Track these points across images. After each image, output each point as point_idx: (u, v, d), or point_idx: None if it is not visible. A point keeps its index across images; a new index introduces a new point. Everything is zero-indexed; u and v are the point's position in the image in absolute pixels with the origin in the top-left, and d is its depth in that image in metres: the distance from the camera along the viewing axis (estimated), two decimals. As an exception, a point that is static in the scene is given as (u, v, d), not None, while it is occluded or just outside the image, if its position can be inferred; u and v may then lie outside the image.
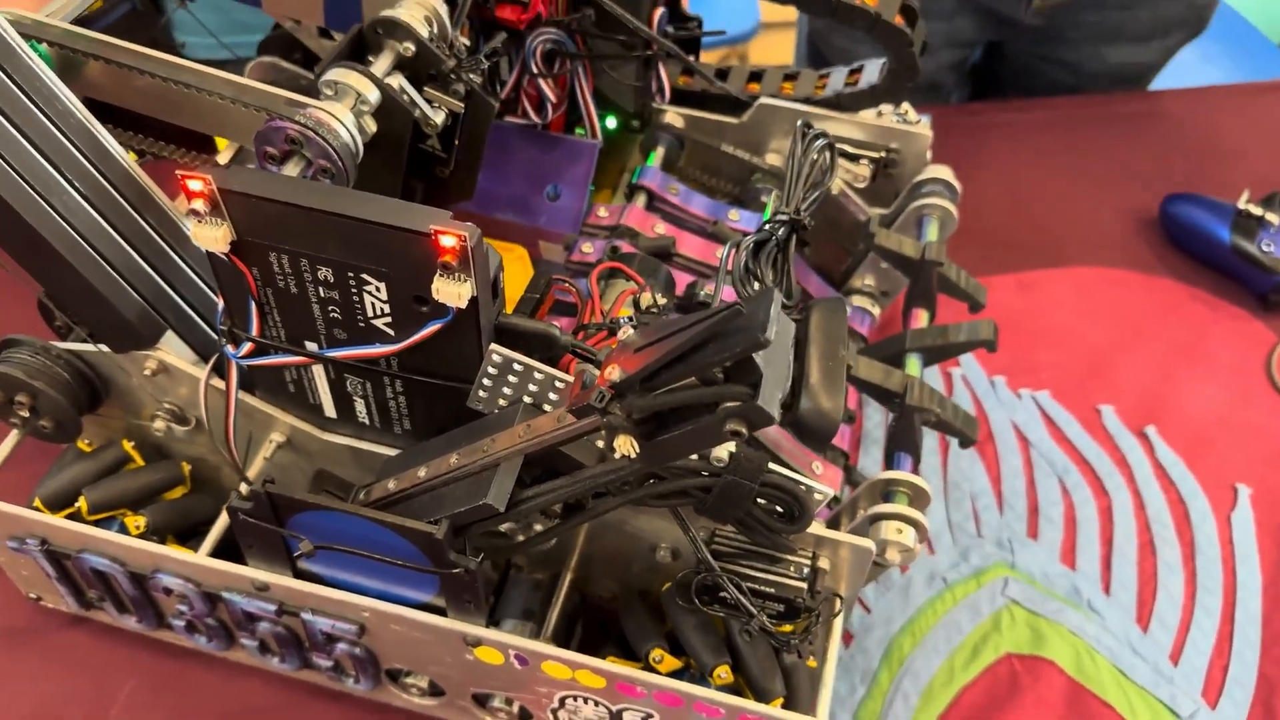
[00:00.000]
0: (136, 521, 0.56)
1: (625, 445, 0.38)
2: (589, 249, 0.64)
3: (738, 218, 0.68)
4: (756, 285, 0.51)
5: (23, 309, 0.58)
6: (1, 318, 0.61)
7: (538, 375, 0.46)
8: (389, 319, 0.47)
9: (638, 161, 0.73)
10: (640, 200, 0.68)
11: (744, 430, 0.36)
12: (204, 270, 0.55)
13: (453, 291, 0.43)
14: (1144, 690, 0.62)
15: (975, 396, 0.76)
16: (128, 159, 0.52)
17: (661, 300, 0.51)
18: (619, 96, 0.70)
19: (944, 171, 0.69)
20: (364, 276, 0.45)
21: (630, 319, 0.47)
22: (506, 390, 0.48)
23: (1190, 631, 0.65)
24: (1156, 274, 0.85)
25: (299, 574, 0.52)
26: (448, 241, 0.42)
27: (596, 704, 0.52)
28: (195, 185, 0.43)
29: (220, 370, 0.53)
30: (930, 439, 0.73)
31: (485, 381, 0.47)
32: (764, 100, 0.71)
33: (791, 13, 1.19)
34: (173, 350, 0.53)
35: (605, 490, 0.47)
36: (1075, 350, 0.79)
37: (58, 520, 0.54)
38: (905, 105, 0.71)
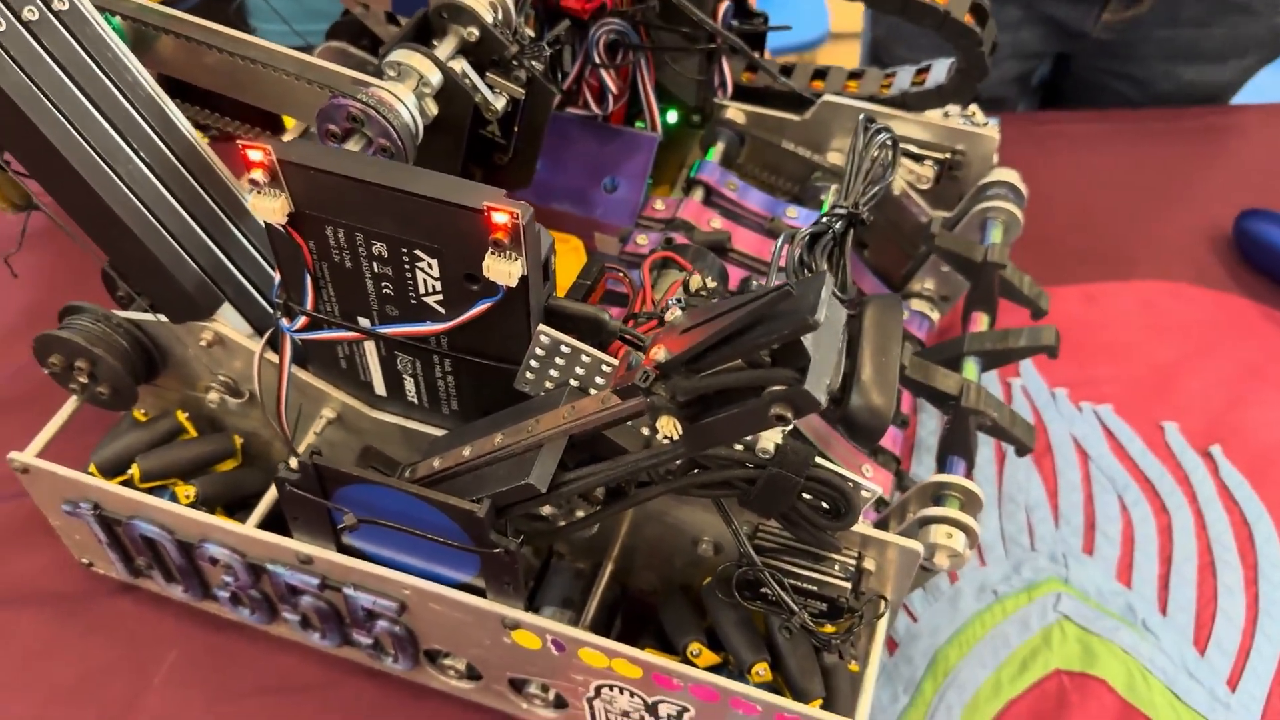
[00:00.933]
0: (187, 491, 0.56)
1: (668, 426, 0.37)
2: (643, 241, 0.64)
3: (795, 215, 0.67)
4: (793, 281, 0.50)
5: (88, 280, 0.60)
6: (67, 287, 0.62)
7: (585, 358, 0.46)
8: (440, 296, 0.47)
9: (697, 156, 0.73)
10: (698, 194, 0.67)
11: (789, 415, 0.35)
12: (263, 246, 0.56)
13: (503, 269, 0.43)
14: (1199, 715, 0.60)
15: (1035, 407, 0.75)
16: (193, 133, 0.53)
17: (711, 284, 0.50)
18: (681, 90, 0.69)
19: (1010, 175, 0.68)
20: (417, 253, 0.45)
21: (679, 301, 0.46)
22: (553, 373, 0.47)
23: (1250, 658, 0.62)
24: (1228, 291, 0.83)
25: (342, 549, 0.52)
26: (499, 219, 0.42)
27: (632, 695, 0.52)
28: (255, 155, 0.44)
29: (274, 345, 0.53)
30: (986, 448, 0.72)
31: (532, 363, 0.47)
32: (827, 98, 0.70)
33: (859, 22, 1.18)
34: (229, 323, 0.54)
35: (648, 477, 0.46)
36: (1140, 365, 0.77)
37: (110, 486, 0.55)
38: (973, 107, 0.70)
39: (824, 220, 0.52)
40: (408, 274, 0.47)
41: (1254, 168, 0.92)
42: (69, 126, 0.48)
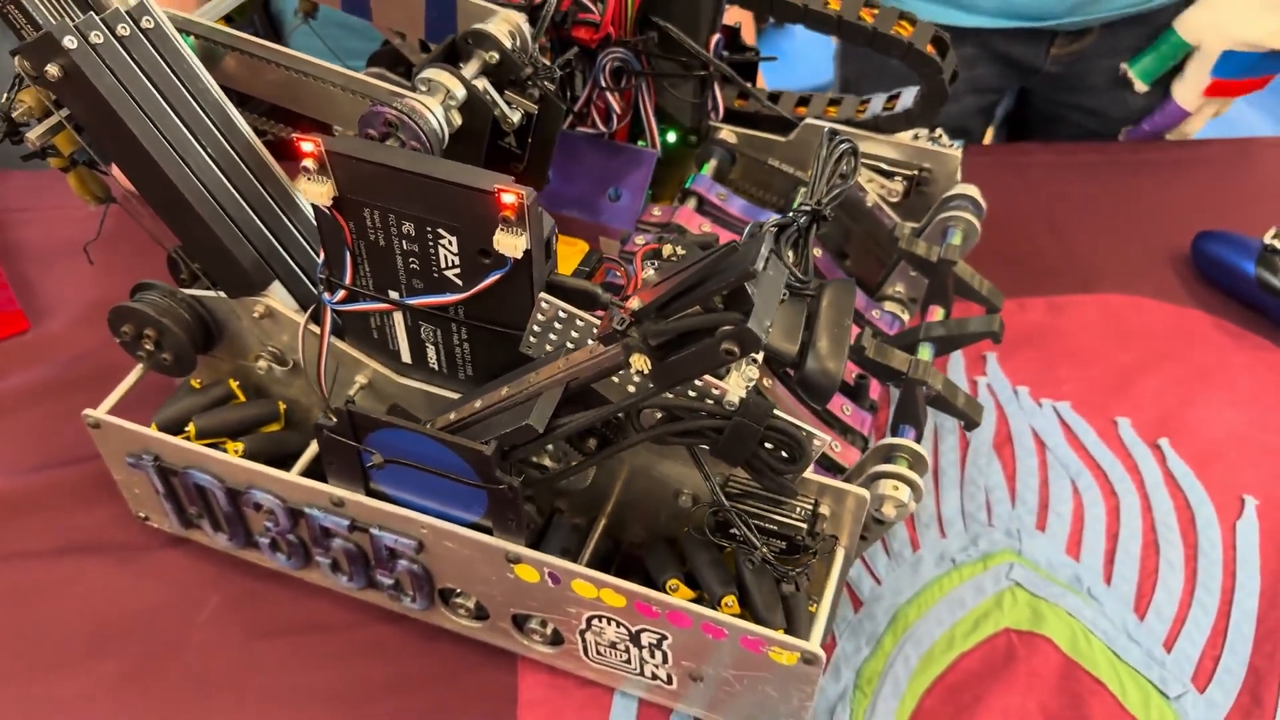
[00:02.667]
0: (236, 447, 0.65)
1: (640, 362, 0.45)
2: (641, 241, 0.73)
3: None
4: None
5: (155, 265, 0.69)
6: (138, 270, 0.71)
7: (579, 323, 0.54)
8: (458, 270, 0.55)
9: (692, 172, 0.82)
10: (690, 203, 0.76)
11: (736, 350, 0.43)
12: (308, 234, 0.64)
13: (511, 243, 0.52)
14: (1135, 671, 0.66)
15: (999, 403, 0.82)
16: (252, 135, 0.62)
17: (681, 251, 0.58)
18: (678, 112, 0.78)
19: (971, 189, 0.76)
20: (439, 231, 0.54)
21: (652, 263, 0.55)
22: (553, 337, 0.55)
23: (1185, 624, 0.69)
24: (1184, 304, 0.90)
25: (370, 494, 0.60)
26: (507, 199, 0.51)
27: (618, 625, 0.59)
28: (307, 146, 0.52)
29: (317, 318, 0.62)
30: (951, 436, 0.79)
31: (535, 328, 0.55)
32: (809, 120, 0.79)
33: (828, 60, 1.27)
34: (278, 298, 0.63)
35: (633, 427, 0.54)
36: (1098, 368, 0.84)
37: (171, 439, 0.63)
38: (939, 130, 0.79)
39: (790, 214, 0.60)
40: (431, 250, 0.55)
41: (1210, 194, 1.00)
42: (151, 124, 0.57)
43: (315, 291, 0.63)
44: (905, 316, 0.78)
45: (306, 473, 0.63)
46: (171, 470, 0.64)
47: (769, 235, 0.42)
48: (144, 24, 0.58)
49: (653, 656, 0.60)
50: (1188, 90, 0.95)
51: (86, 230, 0.69)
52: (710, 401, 0.53)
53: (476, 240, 0.53)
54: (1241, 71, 0.90)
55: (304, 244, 0.64)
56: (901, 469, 0.58)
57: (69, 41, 0.53)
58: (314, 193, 0.54)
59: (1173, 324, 0.88)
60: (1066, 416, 0.81)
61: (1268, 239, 0.87)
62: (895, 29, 0.72)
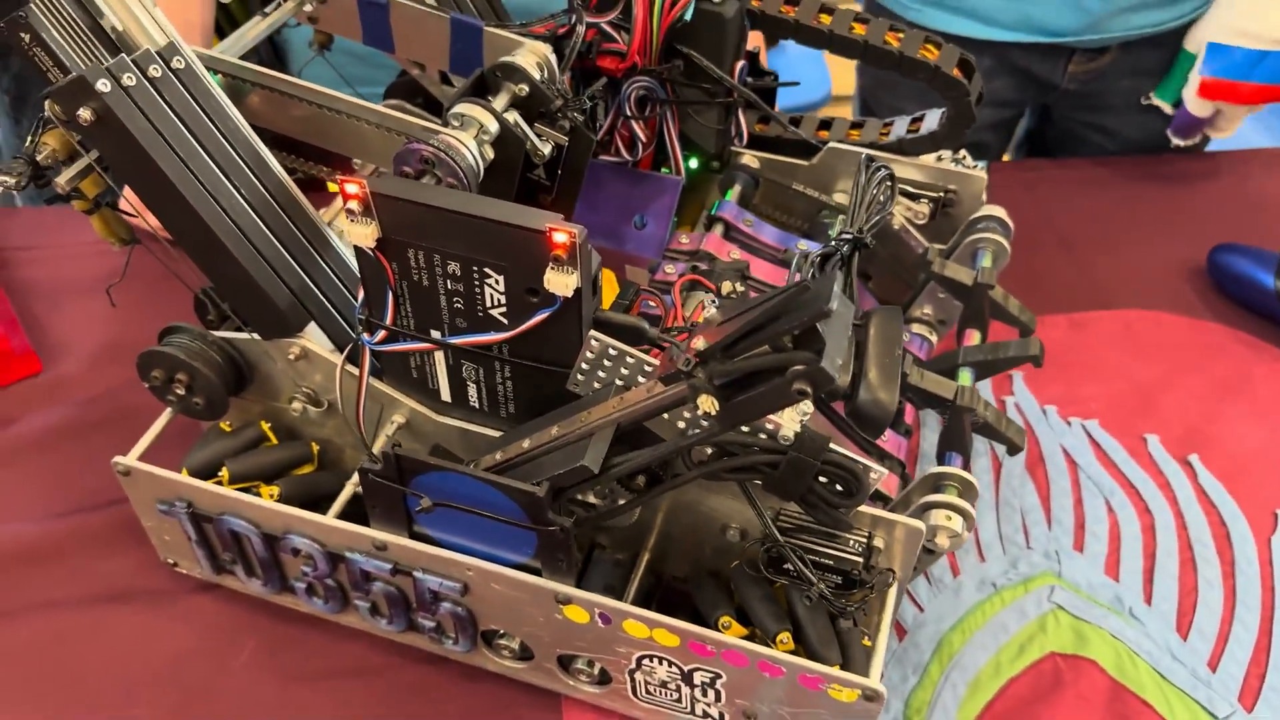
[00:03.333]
0: (271, 490, 0.64)
1: (707, 403, 0.45)
2: (671, 270, 0.72)
3: (805, 247, 0.75)
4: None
5: (168, 304, 0.67)
6: (151, 309, 0.70)
7: (630, 360, 0.53)
8: (504, 309, 0.55)
9: (716, 197, 0.81)
10: (718, 230, 0.75)
11: (809, 389, 0.43)
12: (341, 273, 0.63)
13: (562, 282, 0.51)
14: (1182, 692, 0.66)
15: (1028, 422, 0.82)
16: (283, 174, 0.61)
17: (740, 288, 0.58)
18: (702, 139, 0.77)
19: (998, 210, 0.75)
20: (486, 270, 0.53)
21: (714, 301, 0.54)
22: (601, 374, 0.55)
23: (1228, 642, 0.69)
24: (1203, 317, 0.90)
25: (413, 536, 0.59)
26: (559, 238, 0.50)
27: (670, 664, 0.58)
28: (351, 189, 0.52)
29: (354, 359, 0.61)
30: (984, 458, 0.79)
31: (583, 365, 0.55)
32: (833, 145, 0.78)
33: (850, 73, 1.27)
34: (314, 339, 0.62)
35: (684, 464, 0.53)
36: (1123, 385, 0.84)
37: (205, 485, 0.62)
38: (963, 151, 0.78)
39: (833, 244, 0.59)
40: (477, 289, 0.54)
41: (1224, 206, 1.00)
42: (183, 165, 0.56)
43: (351, 332, 0.63)
44: (934, 339, 0.78)
45: (343, 515, 0.62)
46: (205, 517, 0.63)
47: (837, 273, 0.42)
48: (174, 64, 0.57)
49: (705, 695, 0.59)
50: (1189, 91, 0.95)
51: (94, 269, 0.68)
52: (764, 436, 0.52)
53: (525, 279, 0.53)
54: (1232, 71, 0.91)
55: (338, 283, 0.63)
56: (953, 498, 0.58)
57: (102, 85, 0.52)
58: (358, 234, 0.53)
59: (1192, 338, 0.89)
60: (1096, 435, 0.81)
61: (1286, 251, 0.87)
62: (921, 52, 0.72)
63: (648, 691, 0.61)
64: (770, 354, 0.43)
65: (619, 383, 0.55)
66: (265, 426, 0.66)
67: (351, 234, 0.53)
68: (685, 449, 0.50)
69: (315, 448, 0.67)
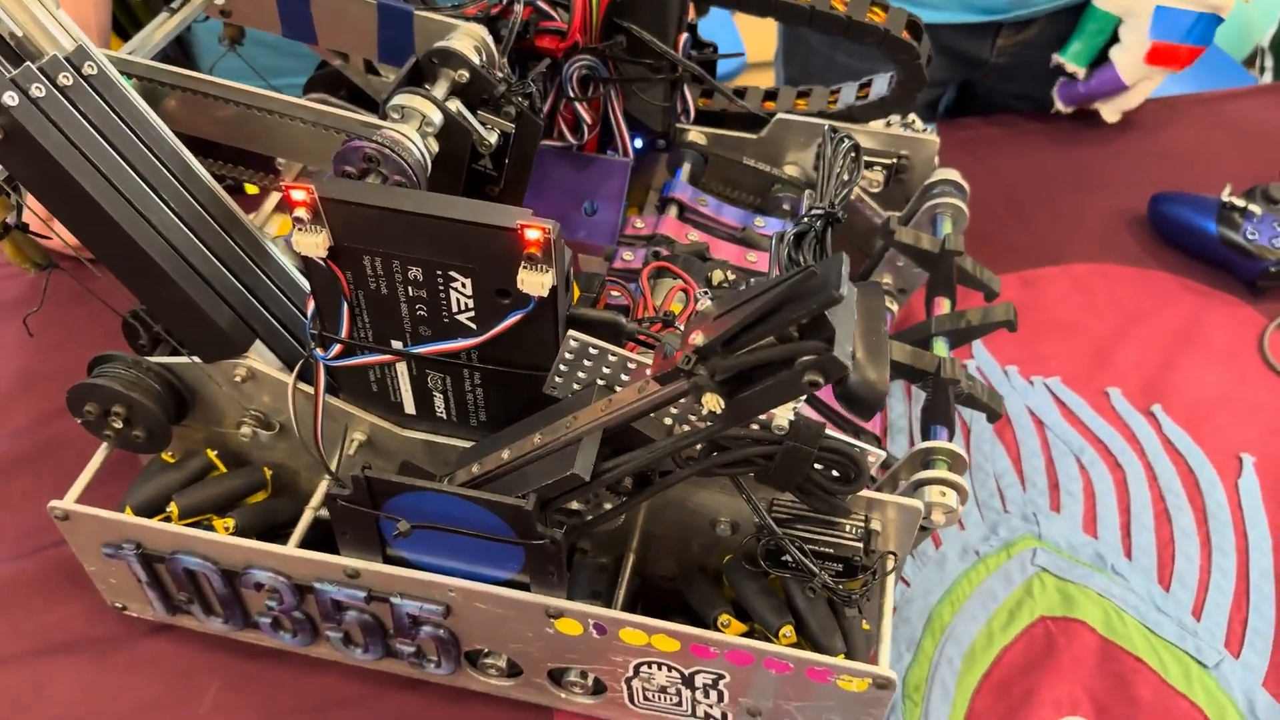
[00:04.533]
0: (226, 523, 0.59)
1: (712, 402, 0.42)
2: (630, 256, 0.69)
3: (763, 224, 0.73)
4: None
5: (100, 332, 0.62)
6: (64, 335, 0.65)
7: (611, 358, 0.51)
8: (472, 313, 0.51)
9: (662, 178, 0.78)
10: (672, 211, 0.72)
11: (821, 380, 0.40)
12: (283, 284, 0.59)
13: (536, 281, 0.48)
14: (1171, 644, 0.66)
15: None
16: (213, 182, 0.56)
17: (732, 276, 0.55)
18: (647, 117, 0.74)
19: (952, 173, 0.74)
20: (451, 274, 0.50)
21: (706, 292, 0.51)
22: (581, 374, 0.52)
23: (1209, 590, 0.69)
24: (1149, 267, 0.91)
25: (388, 560, 0.56)
26: (533, 235, 0.47)
27: (670, 669, 0.56)
28: (299, 195, 0.47)
29: (305, 377, 0.57)
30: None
31: (561, 367, 0.52)
32: (781, 116, 0.76)
33: (773, 51, 1.26)
34: (260, 359, 0.57)
35: (674, 462, 0.51)
36: (1080, 340, 0.84)
37: (154, 524, 0.58)
38: (911, 115, 0.77)
39: (805, 220, 0.57)
40: (441, 294, 0.51)
41: (1159, 156, 1.01)
42: (106, 182, 0.51)
43: (301, 348, 0.58)
44: (894, 308, 0.77)
45: (305, 542, 0.58)
46: (157, 557, 0.59)
47: (843, 257, 0.39)
48: (86, 70, 0.51)
49: (707, 696, 0.57)
50: (1129, 57, 0.94)
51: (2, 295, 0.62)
52: (756, 428, 0.50)
53: (495, 280, 0.49)
54: (1181, 34, 0.91)
55: (281, 296, 0.59)
56: (945, 473, 0.57)
57: (9, 99, 0.47)
58: (307, 244, 0.49)
59: (1142, 288, 0.89)
60: (1059, 392, 0.81)
61: (1225, 196, 0.88)
62: (869, 16, 0.70)
63: (645, 698, 0.59)
64: (776, 345, 0.41)
65: (600, 383, 0.52)
66: (212, 454, 0.62)
67: (300, 244, 0.49)
68: (689, 446, 0.47)
69: (268, 473, 0.62)
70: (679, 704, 0.58)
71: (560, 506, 0.52)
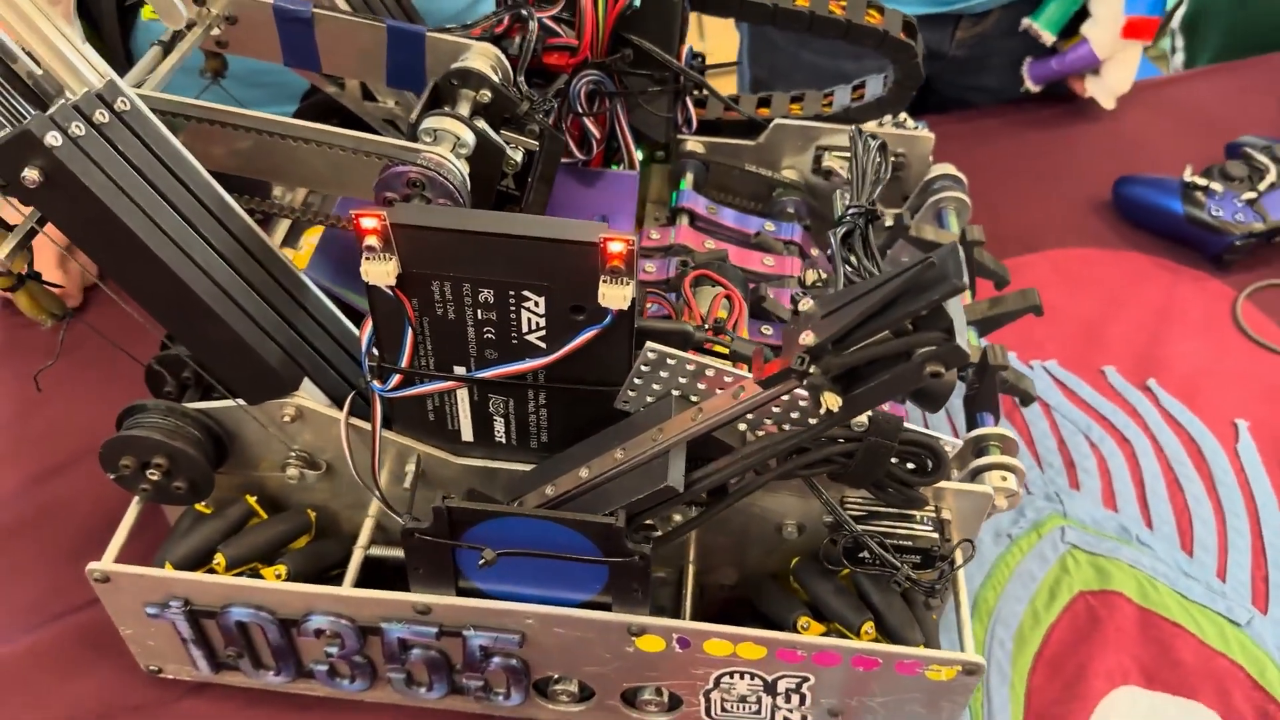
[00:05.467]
0: (277, 570, 0.57)
1: (830, 400, 0.42)
2: (652, 268, 0.69)
3: (774, 228, 0.74)
4: (847, 268, 0.56)
5: (85, 390, 0.59)
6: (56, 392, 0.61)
7: (689, 367, 0.50)
8: (543, 333, 0.50)
9: (660, 190, 0.78)
10: (684, 221, 0.72)
11: (943, 371, 0.41)
12: (322, 317, 0.57)
13: (618, 294, 0.47)
14: (1203, 607, 0.68)
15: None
16: (247, 216, 0.54)
17: (824, 276, 0.55)
18: (651, 129, 0.74)
19: (949, 168, 0.76)
20: (525, 293, 0.49)
21: (805, 292, 0.51)
22: (655, 386, 0.51)
23: (1229, 551, 0.72)
24: (1121, 249, 0.94)
25: (460, 594, 0.54)
26: (616, 248, 0.46)
27: (752, 678, 0.56)
28: (369, 223, 0.46)
29: (357, 411, 0.55)
30: (960, 419, 0.79)
31: (636, 380, 0.51)
32: (779, 121, 0.77)
33: (732, 53, 1.27)
34: (309, 396, 0.55)
35: (755, 470, 0.51)
36: (1069, 323, 0.87)
37: (208, 577, 0.55)
38: (903, 115, 0.78)
39: (848, 218, 0.58)
40: (513, 315, 0.50)
41: (1112, 142, 1.05)
42: (150, 221, 0.49)
43: (347, 383, 0.56)
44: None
45: (356, 584, 0.56)
46: (207, 613, 0.56)
47: (957, 246, 0.40)
48: (119, 106, 0.49)
49: (788, 701, 0.57)
50: (1102, 32, 0.96)
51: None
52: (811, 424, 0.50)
53: (571, 297, 0.49)
54: (1150, 6, 0.94)
55: (321, 329, 0.57)
56: (1006, 458, 0.58)
57: (52, 139, 0.45)
58: (377, 273, 0.47)
59: (1118, 269, 0.92)
60: (1058, 374, 0.83)
61: (1187, 176, 0.92)
62: (866, 18, 0.71)
63: (724, 709, 0.58)
64: (893, 339, 0.41)
65: (675, 393, 0.51)
66: (252, 501, 0.59)
67: (369, 273, 0.47)
68: (781, 450, 0.47)
69: (312, 515, 0.60)
70: (758, 712, 0.58)
71: (646, 522, 0.51)
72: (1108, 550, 0.71)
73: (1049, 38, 1.00)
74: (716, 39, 1.53)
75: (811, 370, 0.42)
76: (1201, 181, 0.91)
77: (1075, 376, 0.83)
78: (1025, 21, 1.00)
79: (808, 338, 0.42)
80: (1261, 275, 0.91)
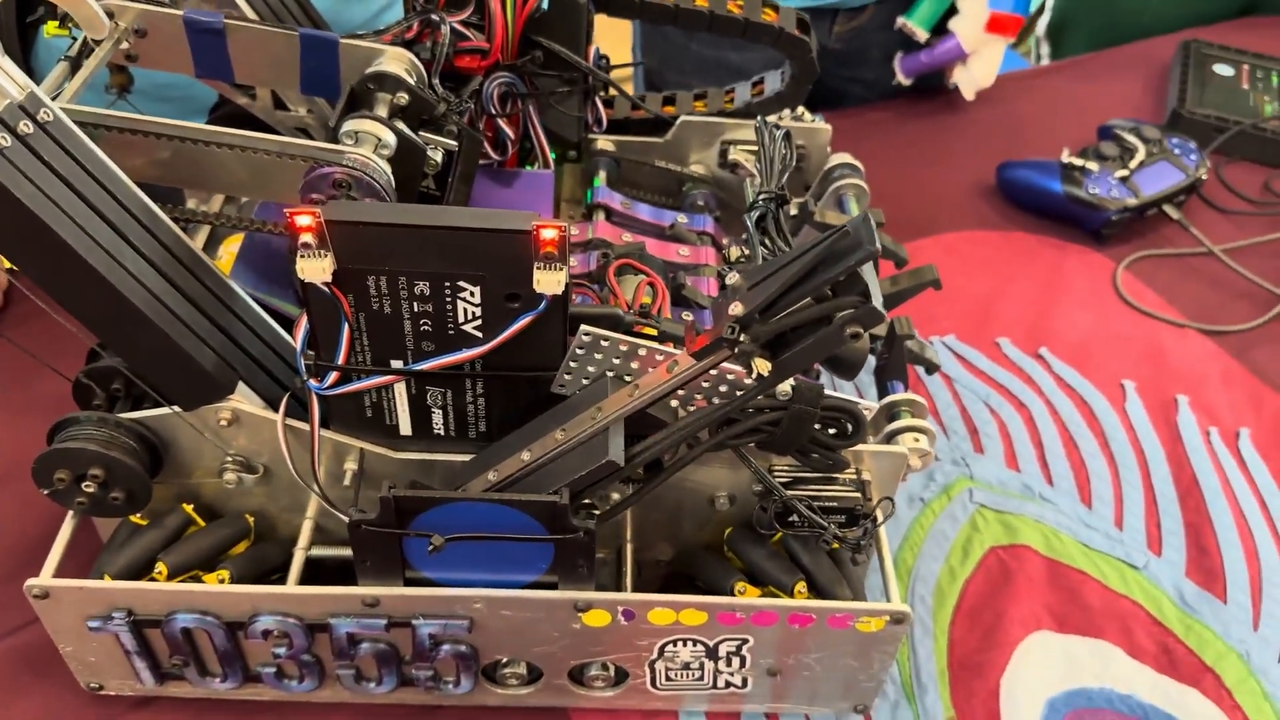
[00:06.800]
0: (220, 576, 0.57)
1: (761, 366, 0.45)
2: (574, 263, 0.71)
3: (686, 220, 0.76)
4: (762, 249, 0.59)
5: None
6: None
7: (622, 348, 0.52)
8: (479, 322, 0.52)
9: (574, 189, 0.81)
10: (600, 216, 0.75)
11: (862, 331, 0.44)
12: (251, 320, 0.58)
13: (552, 280, 0.49)
14: (1104, 554, 0.73)
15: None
16: (173, 224, 0.55)
17: (745, 252, 0.58)
18: (562, 129, 0.77)
19: (847, 157, 0.80)
20: (460, 284, 0.50)
21: (729, 266, 0.54)
22: (590, 369, 0.53)
23: (1124, 502, 0.77)
24: (1007, 229, 1.00)
25: (407, 584, 0.55)
26: (549, 234, 0.48)
27: (694, 644, 0.58)
28: (304, 220, 0.47)
29: (292, 412, 0.55)
30: (871, 392, 0.83)
31: (571, 363, 0.53)
32: (685, 118, 0.80)
33: (624, 55, 1.30)
34: (244, 399, 0.56)
35: (690, 442, 0.53)
36: (964, 300, 0.92)
37: (153, 585, 0.55)
38: (801, 108, 0.82)
39: (760, 204, 0.61)
40: (448, 306, 0.51)
41: (997, 128, 1.11)
42: (81, 231, 0.49)
43: (279, 384, 0.57)
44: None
45: (301, 581, 0.57)
46: (150, 622, 0.56)
47: (868, 215, 0.43)
48: (42, 117, 0.49)
49: (729, 665, 0.60)
50: (968, 26, 1.02)
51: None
52: (762, 396, 0.53)
53: (506, 285, 0.50)
54: (1012, 4, 1.00)
55: (251, 333, 0.57)
56: (917, 421, 0.61)
57: (-22, 150, 0.45)
58: (313, 270, 0.49)
59: (1005, 248, 0.98)
60: (956, 348, 0.88)
61: (1065, 159, 0.98)
62: (763, 16, 0.74)
63: (668, 678, 0.61)
64: (814, 305, 0.44)
65: (609, 374, 0.54)
66: (189, 509, 0.59)
67: (305, 270, 0.48)
68: (715, 418, 0.50)
69: (251, 520, 0.60)
70: (700, 678, 0.61)
71: (585, 501, 0.53)
72: (1014, 507, 0.76)
73: (922, 34, 1.06)
74: (605, 39, 1.56)
75: (742, 338, 0.45)
76: (1078, 162, 0.98)
77: (972, 349, 0.88)
78: (900, 20, 1.06)
79: (736, 308, 0.45)
80: (1137, 246, 0.98)
